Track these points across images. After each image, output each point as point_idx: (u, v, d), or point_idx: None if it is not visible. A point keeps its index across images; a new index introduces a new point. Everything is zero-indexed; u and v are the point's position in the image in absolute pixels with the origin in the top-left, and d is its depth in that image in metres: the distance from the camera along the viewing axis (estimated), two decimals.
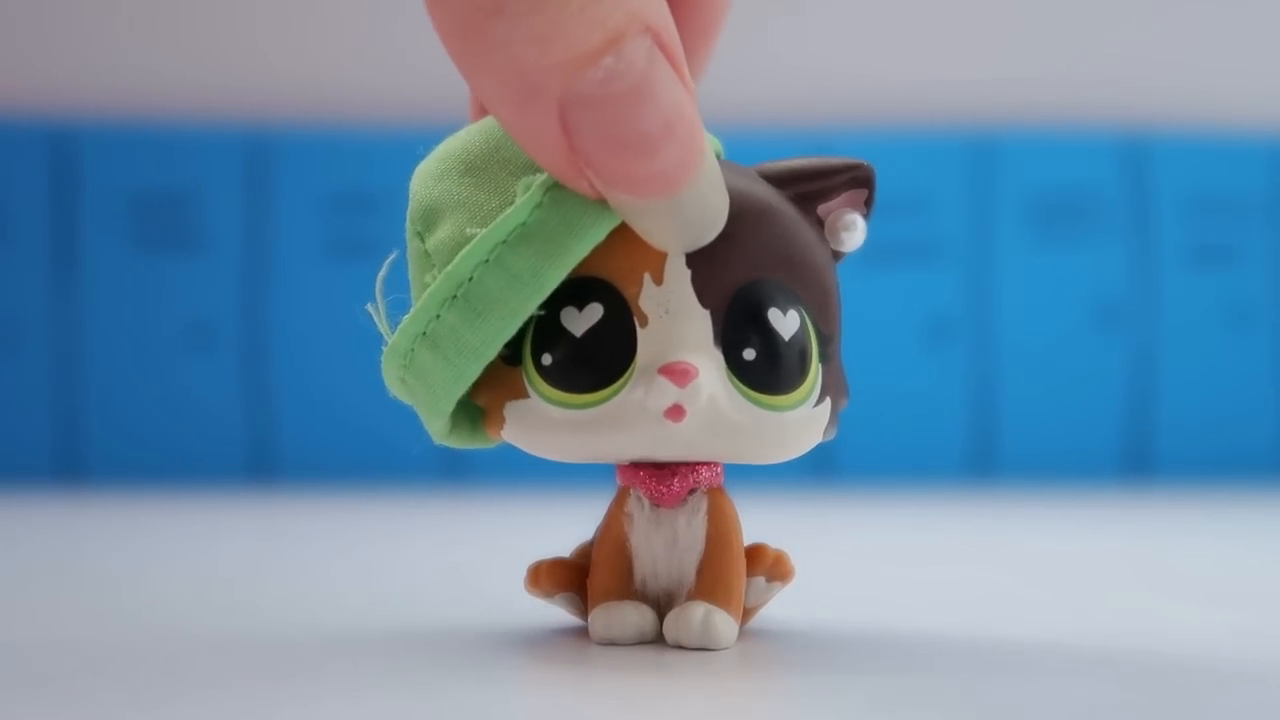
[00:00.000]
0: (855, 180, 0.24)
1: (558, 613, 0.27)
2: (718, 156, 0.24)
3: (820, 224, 0.24)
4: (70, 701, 0.21)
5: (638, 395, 0.23)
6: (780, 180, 0.24)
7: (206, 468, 0.61)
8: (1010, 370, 0.64)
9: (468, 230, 0.23)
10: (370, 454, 0.61)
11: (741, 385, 0.23)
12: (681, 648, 0.24)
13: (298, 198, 0.62)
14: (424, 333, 0.23)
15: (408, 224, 0.25)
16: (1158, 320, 0.65)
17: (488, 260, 0.23)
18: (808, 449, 0.24)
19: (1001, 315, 0.64)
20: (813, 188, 0.24)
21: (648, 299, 0.23)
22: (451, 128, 0.25)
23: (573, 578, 0.25)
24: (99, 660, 0.24)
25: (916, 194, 0.64)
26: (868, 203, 0.25)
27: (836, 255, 0.25)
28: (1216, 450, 0.64)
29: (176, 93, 0.64)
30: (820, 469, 0.63)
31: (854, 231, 0.24)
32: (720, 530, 0.25)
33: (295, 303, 0.62)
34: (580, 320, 0.23)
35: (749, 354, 0.23)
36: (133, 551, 0.41)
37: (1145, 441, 0.64)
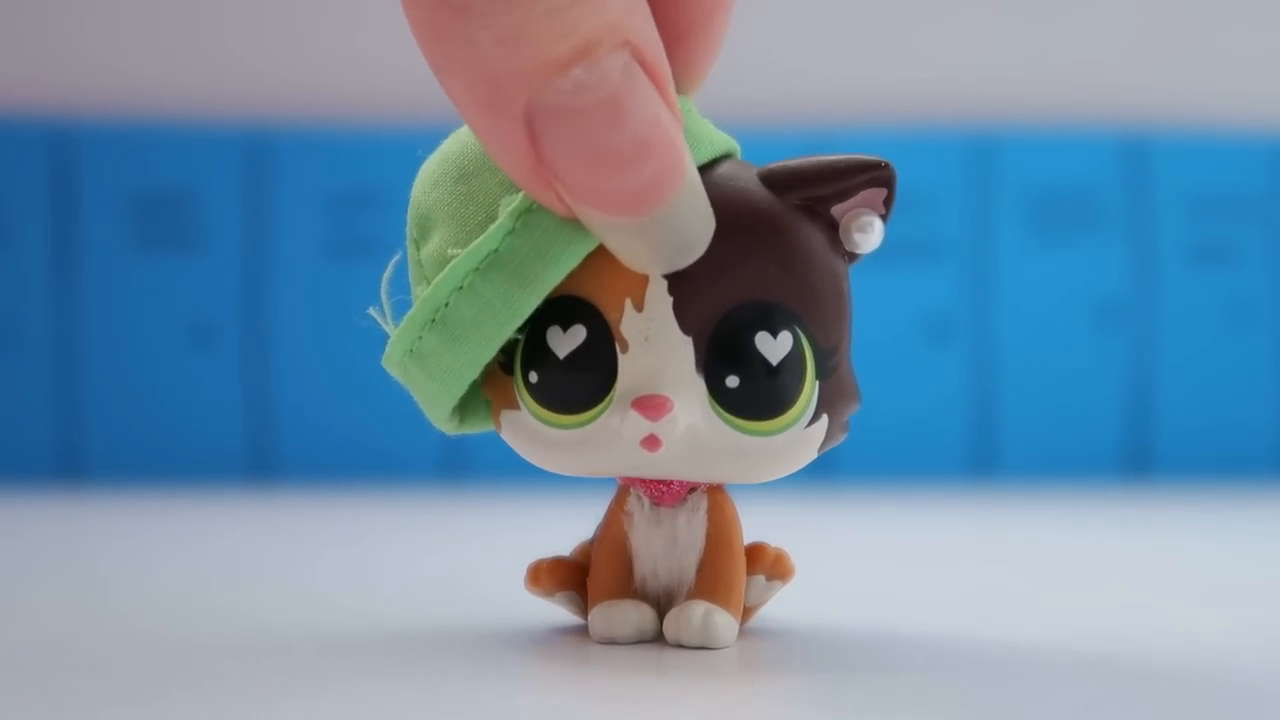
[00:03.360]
0: (874, 180, 0.23)
1: (558, 611, 0.27)
2: (732, 156, 0.24)
3: (832, 226, 0.23)
4: (70, 701, 0.21)
5: (615, 423, 0.23)
6: (789, 183, 0.23)
7: (206, 467, 0.61)
8: (1010, 369, 0.64)
9: (449, 250, 0.23)
10: (370, 454, 0.61)
11: (724, 413, 0.23)
12: (681, 647, 0.24)
13: (298, 197, 0.62)
14: (410, 350, 0.23)
15: (407, 227, 0.25)
16: (1158, 319, 0.65)
17: (461, 287, 0.23)
18: (800, 467, 0.24)
19: (1001, 314, 0.64)
20: (829, 190, 0.23)
21: (629, 325, 0.23)
22: (450, 128, 0.25)
23: (573, 576, 0.25)
24: (98, 659, 0.24)
25: (916, 193, 0.64)
26: (886, 203, 0.23)
27: (851, 257, 0.24)
28: (1216, 449, 0.64)
29: (176, 93, 0.64)
30: (820, 468, 0.63)
31: (870, 234, 0.23)
32: (720, 529, 0.24)
33: (295, 302, 0.62)
34: (564, 342, 0.23)
35: (732, 381, 0.23)
36: (132, 550, 0.41)
37: (1145, 440, 0.64)
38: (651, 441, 0.23)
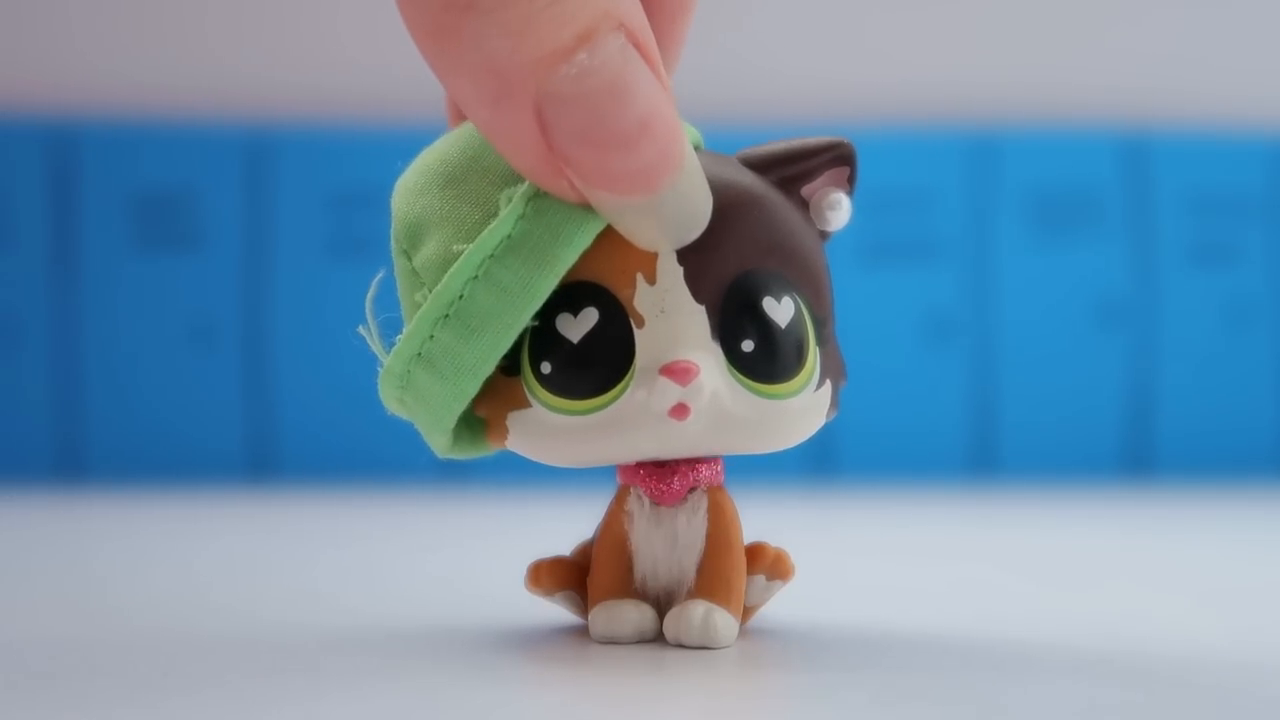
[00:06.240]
0: (837, 159, 0.24)
1: (558, 611, 0.27)
2: (696, 147, 0.24)
3: (805, 205, 0.24)
4: (70, 701, 0.21)
5: (640, 397, 0.23)
6: (762, 165, 0.24)
7: (207, 466, 0.61)
8: (1010, 368, 0.64)
9: (454, 247, 0.23)
10: (370, 454, 0.61)
11: (743, 377, 0.23)
12: (682, 646, 0.24)
13: (298, 196, 0.62)
14: (419, 354, 0.23)
15: (392, 242, 0.24)
16: (1158, 318, 0.65)
17: (476, 276, 0.23)
18: (812, 433, 0.24)
19: (1001, 313, 0.64)
20: (795, 170, 0.24)
21: (642, 299, 0.23)
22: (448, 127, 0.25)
23: (573, 576, 0.25)
24: (99, 659, 0.24)
25: (917, 191, 0.64)
26: (850, 180, 0.25)
27: (824, 235, 0.25)
28: (1216, 449, 0.64)
29: (176, 93, 0.64)
30: (820, 466, 0.63)
31: (839, 210, 0.24)
32: (720, 529, 0.24)
33: (295, 301, 0.62)
34: (576, 326, 0.23)
35: (747, 345, 0.23)
36: (133, 550, 0.41)
37: (1145, 439, 0.64)
38: (680, 410, 0.23)
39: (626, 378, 0.23)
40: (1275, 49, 0.68)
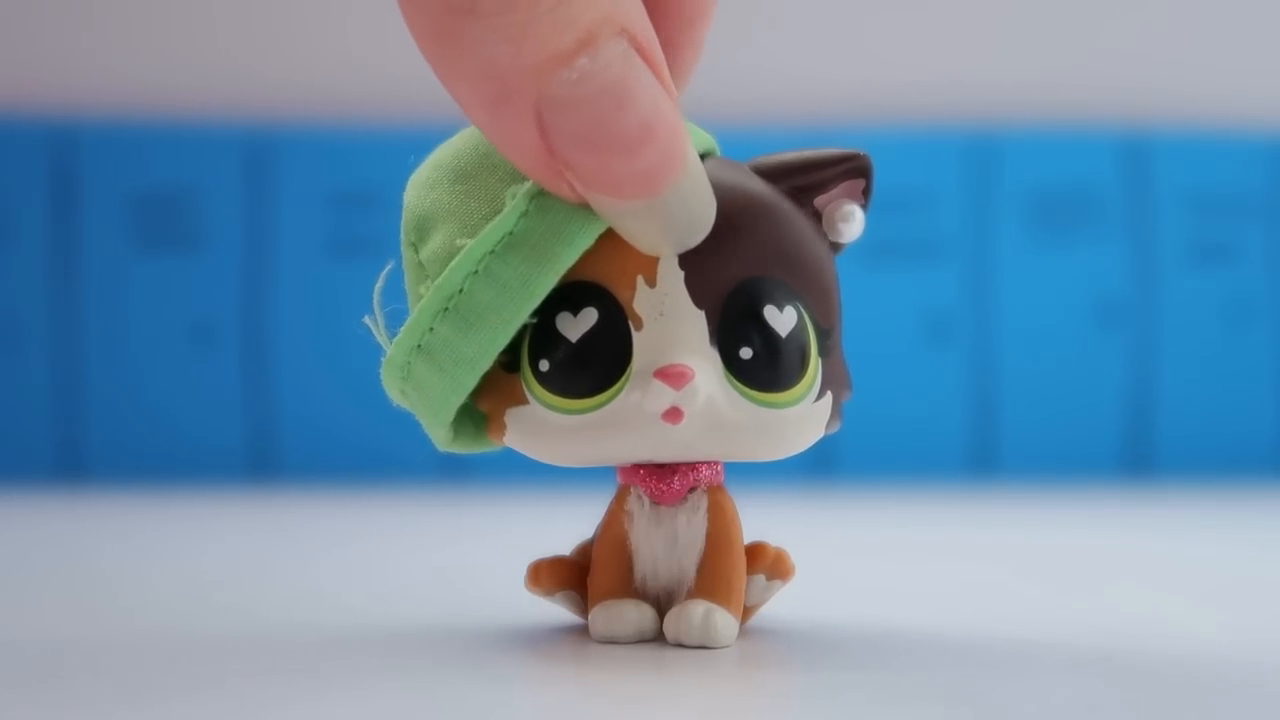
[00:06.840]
0: (852, 171, 0.24)
1: (558, 611, 0.27)
2: (712, 154, 0.24)
3: (817, 216, 0.24)
4: (70, 701, 0.21)
5: (635, 399, 0.23)
6: (775, 174, 0.24)
7: (207, 467, 0.62)
8: (1010, 368, 0.64)
9: (458, 241, 0.23)
10: (370, 454, 0.61)
11: (740, 384, 0.23)
12: (681, 646, 0.24)
13: (298, 196, 0.62)
14: (419, 345, 0.23)
15: (402, 234, 0.25)
16: (1158, 318, 0.65)
17: (476, 271, 0.23)
18: (810, 444, 0.24)
19: (1001, 313, 0.64)
20: (809, 180, 0.24)
21: (641, 302, 0.23)
22: (451, 127, 0.25)
23: (573, 576, 0.25)
24: (99, 659, 0.24)
25: (916, 192, 0.64)
26: (865, 193, 0.24)
27: (836, 247, 0.25)
28: (1216, 448, 0.64)
29: (176, 93, 0.64)
30: (820, 467, 0.63)
31: (852, 223, 0.24)
32: (720, 528, 0.25)
33: (295, 302, 0.62)
34: (575, 325, 0.23)
35: (746, 353, 0.23)
36: (133, 550, 0.41)
37: (1145, 439, 0.64)
38: (674, 414, 0.23)
39: (623, 379, 0.23)
40: (1275, 49, 0.68)
